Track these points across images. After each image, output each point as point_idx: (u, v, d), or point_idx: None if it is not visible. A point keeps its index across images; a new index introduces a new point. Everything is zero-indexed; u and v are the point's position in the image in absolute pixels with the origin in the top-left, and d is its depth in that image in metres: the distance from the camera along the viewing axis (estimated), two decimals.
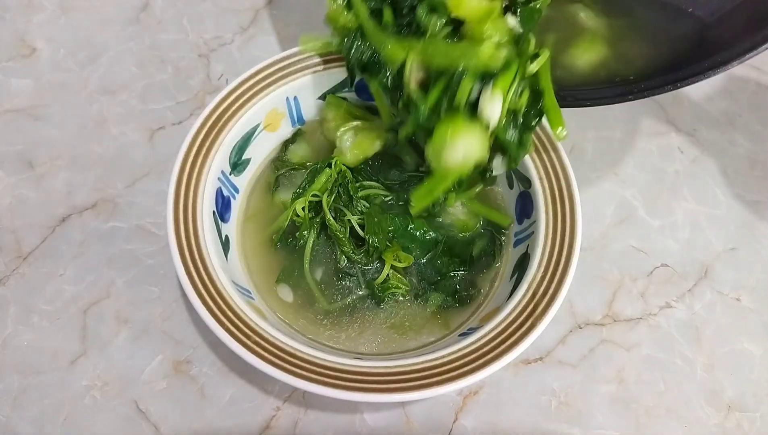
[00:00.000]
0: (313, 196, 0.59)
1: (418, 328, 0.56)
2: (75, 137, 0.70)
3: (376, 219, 0.58)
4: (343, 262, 0.59)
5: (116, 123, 0.71)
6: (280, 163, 0.65)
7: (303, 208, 0.59)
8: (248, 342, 0.49)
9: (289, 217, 0.59)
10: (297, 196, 0.61)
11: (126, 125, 0.71)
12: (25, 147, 0.69)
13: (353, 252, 0.59)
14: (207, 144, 0.59)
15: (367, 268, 0.59)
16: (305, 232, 0.59)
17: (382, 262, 0.58)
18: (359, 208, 0.59)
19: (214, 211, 0.58)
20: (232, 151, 0.61)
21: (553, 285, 0.53)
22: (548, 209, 0.57)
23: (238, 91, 0.62)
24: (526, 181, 0.60)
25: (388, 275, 0.57)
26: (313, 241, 0.59)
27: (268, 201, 0.63)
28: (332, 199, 0.59)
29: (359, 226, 0.58)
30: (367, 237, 0.58)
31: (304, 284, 0.58)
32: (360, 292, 0.58)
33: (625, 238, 0.67)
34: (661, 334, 0.62)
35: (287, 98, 0.65)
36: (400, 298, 0.58)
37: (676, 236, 0.67)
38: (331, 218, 0.58)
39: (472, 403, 0.57)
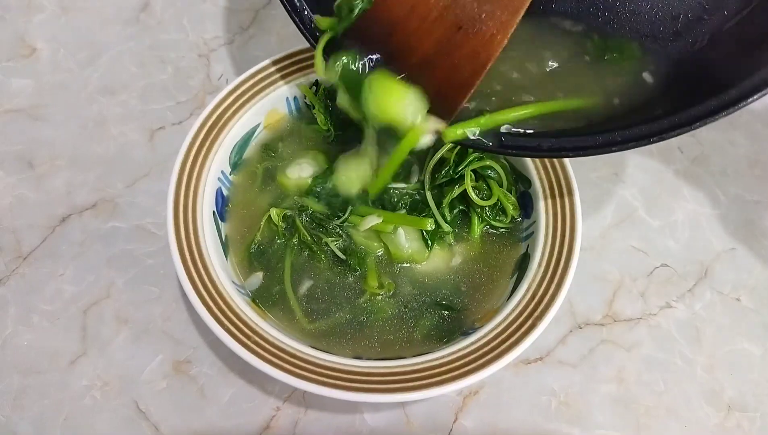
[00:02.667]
0: (286, 209, 0.59)
1: (409, 349, 0.54)
2: (75, 137, 0.70)
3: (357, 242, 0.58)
4: (323, 280, 0.58)
5: (116, 123, 0.71)
6: (271, 152, 0.64)
7: (278, 216, 0.58)
8: (248, 342, 0.49)
9: (262, 229, 0.59)
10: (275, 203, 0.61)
11: (126, 125, 0.71)
12: (25, 147, 0.69)
13: (331, 270, 0.58)
14: (207, 144, 0.59)
15: (349, 284, 0.57)
16: (280, 241, 0.58)
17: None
18: (338, 232, 0.59)
19: (214, 211, 0.58)
20: (232, 151, 0.61)
21: (553, 285, 0.53)
22: (548, 209, 0.57)
23: (238, 91, 0.62)
24: (526, 181, 0.60)
25: (370, 297, 0.56)
26: (292, 260, 0.58)
27: (253, 193, 0.62)
28: (303, 218, 0.59)
29: (339, 249, 0.58)
30: (347, 259, 0.57)
31: (281, 301, 0.56)
32: (342, 312, 0.56)
33: (625, 238, 0.67)
34: (661, 334, 0.62)
35: (287, 98, 0.65)
36: (386, 320, 0.56)
37: (676, 236, 0.67)
38: (307, 235, 0.58)
39: (472, 403, 0.57)
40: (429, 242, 0.58)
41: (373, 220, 0.57)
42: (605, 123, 0.50)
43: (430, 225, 0.57)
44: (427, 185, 0.59)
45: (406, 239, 0.58)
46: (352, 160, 0.59)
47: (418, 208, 0.59)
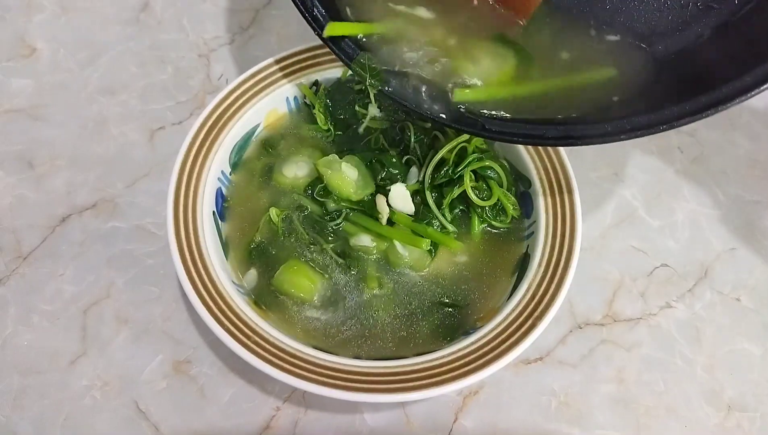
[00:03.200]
0: (285, 208, 0.59)
1: (410, 349, 0.54)
2: (75, 137, 0.70)
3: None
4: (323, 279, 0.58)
5: (116, 123, 0.71)
6: (271, 149, 0.64)
7: (277, 216, 0.59)
8: (248, 342, 0.49)
9: (261, 228, 0.59)
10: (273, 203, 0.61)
11: (126, 125, 0.71)
12: (25, 147, 0.69)
13: (330, 270, 0.58)
14: (207, 144, 0.59)
15: (348, 283, 0.57)
16: (279, 240, 0.58)
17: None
18: (335, 233, 0.59)
19: (214, 211, 0.58)
20: (232, 151, 0.61)
21: (553, 285, 0.53)
22: (548, 209, 0.57)
23: (238, 91, 0.62)
24: (526, 181, 0.60)
25: (370, 297, 0.57)
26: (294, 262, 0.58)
27: (252, 191, 0.62)
28: (301, 217, 0.59)
29: (337, 253, 0.58)
30: (345, 261, 0.58)
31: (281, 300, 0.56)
32: (342, 312, 0.56)
33: (625, 238, 0.67)
34: (661, 334, 0.62)
35: (287, 98, 0.65)
36: (387, 319, 0.56)
37: (676, 236, 0.67)
38: (305, 235, 0.58)
39: (472, 403, 0.57)
40: (432, 251, 0.58)
41: (365, 241, 0.58)
42: (612, 110, 0.50)
43: (425, 245, 0.57)
44: (426, 185, 0.59)
45: (404, 248, 0.58)
46: (338, 163, 0.59)
47: (418, 209, 0.59)
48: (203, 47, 0.78)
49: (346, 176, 0.58)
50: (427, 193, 0.58)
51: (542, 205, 0.58)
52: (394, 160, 0.61)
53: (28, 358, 0.57)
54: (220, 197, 0.60)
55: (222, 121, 0.60)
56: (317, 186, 0.60)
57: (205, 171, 0.58)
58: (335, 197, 0.59)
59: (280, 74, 0.64)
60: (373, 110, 0.65)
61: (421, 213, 0.59)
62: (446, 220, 0.58)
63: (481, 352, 0.50)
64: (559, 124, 0.51)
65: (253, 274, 0.57)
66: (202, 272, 0.53)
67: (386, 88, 0.56)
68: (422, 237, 0.57)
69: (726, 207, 0.70)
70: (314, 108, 0.64)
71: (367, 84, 0.55)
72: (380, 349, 0.54)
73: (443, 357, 0.50)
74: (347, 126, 0.65)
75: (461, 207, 0.60)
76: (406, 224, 0.58)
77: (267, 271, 0.57)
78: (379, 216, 0.57)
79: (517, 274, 0.57)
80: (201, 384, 0.57)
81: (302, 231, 0.58)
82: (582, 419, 0.57)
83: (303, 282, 0.56)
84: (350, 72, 0.64)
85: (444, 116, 0.54)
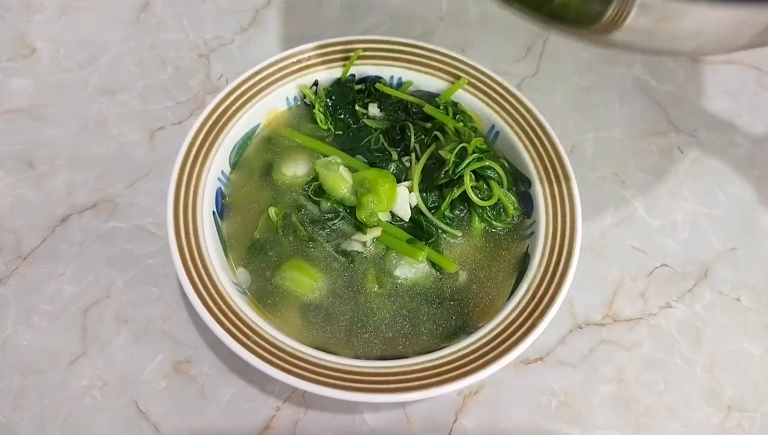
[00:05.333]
0: (284, 207, 0.60)
1: (411, 349, 0.54)
2: (75, 137, 0.70)
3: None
4: (323, 278, 0.57)
5: (116, 123, 0.71)
6: (271, 148, 0.64)
7: (277, 215, 0.59)
8: (248, 342, 0.49)
9: (260, 227, 0.59)
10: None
11: (126, 125, 0.71)
12: (25, 147, 0.69)
13: (330, 268, 0.58)
14: (207, 144, 0.59)
15: (348, 282, 0.57)
16: (278, 239, 0.58)
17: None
18: (335, 231, 0.59)
19: (214, 211, 0.58)
20: (232, 151, 0.61)
21: (553, 285, 0.53)
22: (548, 209, 0.57)
23: (238, 91, 0.62)
24: (526, 181, 0.60)
25: (370, 296, 0.56)
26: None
27: (251, 190, 0.62)
28: (301, 215, 0.59)
29: (336, 251, 0.58)
30: (346, 259, 0.58)
31: (280, 299, 0.56)
32: (342, 311, 0.56)
33: (625, 238, 0.67)
34: (661, 334, 0.62)
35: (287, 98, 0.65)
36: (386, 319, 0.56)
37: (676, 236, 0.67)
38: (305, 233, 0.58)
39: (472, 403, 0.57)
40: (436, 267, 0.58)
41: (356, 246, 0.58)
42: None
43: (422, 257, 0.56)
44: (417, 189, 0.59)
45: (399, 257, 0.57)
46: (335, 165, 0.60)
47: (418, 219, 0.59)
48: (203, 47, 0.78)
49: (343, 178, 0.58)
50: (419, 198, 0.58)
51: (542, 205, 0.58)
52: (395, 160, 0.61)
53: (28, 358, 0.57)
54: (220, 197, 0.60)
55: (222, 121, 0.60)
56: (312, 184, 0.60)
57: (205, 171, 0.58)
58: (330, 197, 0.59)
59: (280, 74, 0.64)
60: (373, 110, 0.65)
61: (418, 217, 0.59)
62: (441, 222, 0.58)
63: (481, 352, 0.50)
64: None
65: (243, 273, 0.57)
66: (202, 272, 0.53)
67: None
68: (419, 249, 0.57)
69: (726, 207, 0.70)
70: (314, 108, 0.64)
71: None
72: (380, 349, 0.54)
73: (443, 357, 0.50)
74: (347, 126, 0.65)
75: (461, 207, 0.60)
76: (400, 238, 0.58)
77: (267, 270, 0.57)
78: (367, 231, 0.57)
79: (517, 273, 0.57)
80: (201, 384, 0.57)
81: (301, 228, 0.58)
82: (582, 419, 0.57)
83: (305, 280, 0.56)
84: (350, 72, 0.65)
85: None
